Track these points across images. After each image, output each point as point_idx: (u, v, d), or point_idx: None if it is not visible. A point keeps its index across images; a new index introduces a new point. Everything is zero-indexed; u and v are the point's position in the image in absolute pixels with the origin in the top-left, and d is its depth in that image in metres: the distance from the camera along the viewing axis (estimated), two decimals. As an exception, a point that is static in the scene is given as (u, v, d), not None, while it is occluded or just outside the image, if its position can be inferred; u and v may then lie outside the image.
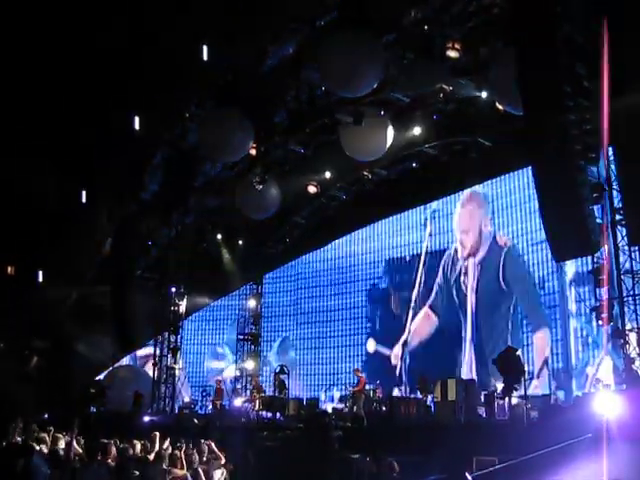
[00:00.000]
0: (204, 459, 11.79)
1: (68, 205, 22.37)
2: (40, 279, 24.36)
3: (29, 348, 25.79)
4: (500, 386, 16.37)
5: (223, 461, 11.84)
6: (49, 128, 20.41)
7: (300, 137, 21.17)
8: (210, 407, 23.47)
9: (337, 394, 22.27)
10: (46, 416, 19.75)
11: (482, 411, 16.97)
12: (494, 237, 22.25)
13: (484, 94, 17.75)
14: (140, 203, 23.59)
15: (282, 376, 21.76)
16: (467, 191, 23.04)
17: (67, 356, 24.83)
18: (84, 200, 22.29)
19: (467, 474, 5.03)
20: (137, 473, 10.35)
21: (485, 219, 22.56)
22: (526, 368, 17.09)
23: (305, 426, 17.97)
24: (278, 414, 20.97)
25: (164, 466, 10.58)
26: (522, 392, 15.56)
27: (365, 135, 19.33)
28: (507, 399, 15.80)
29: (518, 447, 11.62)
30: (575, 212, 13.38)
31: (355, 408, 19.73)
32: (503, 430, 14.80)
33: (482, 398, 17.30)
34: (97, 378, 26.19)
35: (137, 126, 20.45)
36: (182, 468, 10.85)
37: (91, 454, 10.50)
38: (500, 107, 16.90)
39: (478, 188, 22.74)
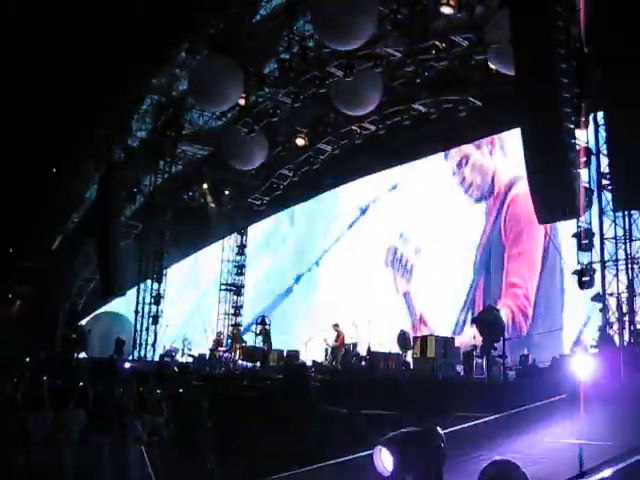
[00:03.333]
0: None
1: (55, 150, 22.17)
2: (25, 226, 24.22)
3: (12, 293, 25.78)
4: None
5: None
6: (38, 71, 20.14)
7: (290, 88, 20.98)
8: (191, 355, 23.58)
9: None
10: (27, 360, 19.82)
11: (460, 369, 17.17)
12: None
13: (477, 53, 17.58)
14: (127, 150, 23.41)
15: (266, 326, 21.91)
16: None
17: (50, 301, 24.84)
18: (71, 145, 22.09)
19: (438, 428, 5.08)
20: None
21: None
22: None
23: (284, 377, 18.15)
24: (258, 364, 21.16)
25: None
26: (500, 351, 15.74)
27: (355, 89, 19.19)
28: (485, 358, 15.98)
29: (494, 405, 11.79)
30: (561, 175, 13.38)
31: (334, 362, 19.94)
32: (480, 388, 14.99)
33: (461, 356, 17.49)
34: (79, 323, 26.25)
35: (128, 72, 20.22)
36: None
37: (69, 399, 10.58)
38: (492, 67, 16.76)
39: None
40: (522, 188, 19.10)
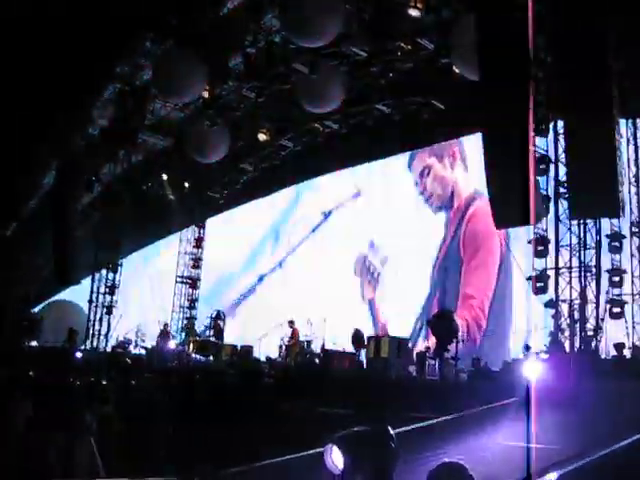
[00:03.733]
0: None
1: (10, 136, 21.78)
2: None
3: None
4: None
5: None
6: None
7: (254, 83, 20.93)
8: (144, 347, 23.39)
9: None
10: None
11: (413, 369, 17.30)
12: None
13: (442, 56, 17.69)
14: (87, 138, 23.11)
15: (218, 321, 21.85)
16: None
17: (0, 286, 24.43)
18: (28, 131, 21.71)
19: (389, 428, 5.12)
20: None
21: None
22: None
23: (237, 372, 18.12)
24: (211, 358, 21.09)
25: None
26: (453, 354, 15.89)
27: (320, 86, 19.22)
28: (438, 359, 16.13)
29: (446, 407, 11.90)
30: (519, 181, 13.53)
31: (289, 359, 19.95)
32: (432, 389, 15.12)
33: (414, 357, 17.63)
34: (32, 311, 25.89)
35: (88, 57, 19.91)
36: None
37: (16, 387, 10.43)
38: (457, 71, 16.90)
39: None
40: (482, 204, 19.44)
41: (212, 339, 21.99)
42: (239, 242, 27.96)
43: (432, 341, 16.53)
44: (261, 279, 26.46)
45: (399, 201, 22.57)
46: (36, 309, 26.62)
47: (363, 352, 18.45)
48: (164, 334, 23.86)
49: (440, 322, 16.12)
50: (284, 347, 20.41)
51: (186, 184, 26.02)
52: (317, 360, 19.32)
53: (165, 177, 25.75)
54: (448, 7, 16.38)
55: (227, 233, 28.05)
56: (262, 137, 23.27)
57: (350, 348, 18.78)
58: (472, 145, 19.82)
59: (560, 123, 15.61)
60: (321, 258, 24.28)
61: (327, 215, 24.86)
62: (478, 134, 14.67)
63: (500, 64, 13.00)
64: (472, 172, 20.37)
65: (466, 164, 20.96)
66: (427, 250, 21.28)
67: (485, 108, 13.90)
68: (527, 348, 16.76)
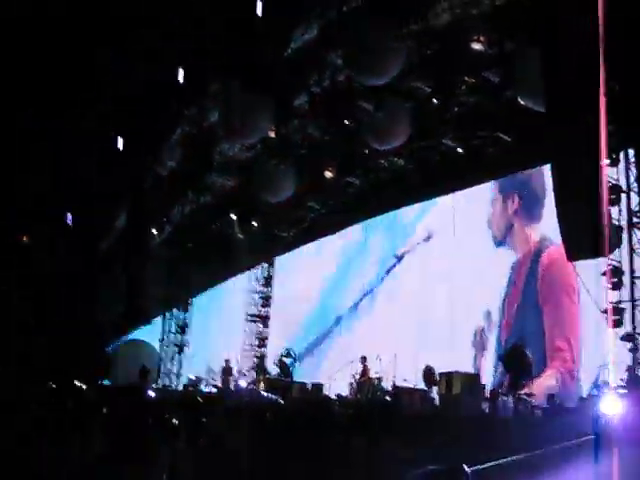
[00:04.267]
0: None
1: (86, 177, 22.39)
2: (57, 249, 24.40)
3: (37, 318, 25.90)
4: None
5: None
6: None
7: (320, 122, 21.13)
8: (215, 386, 23.55)
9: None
10: (54, 386, 19.86)
11: (486, 406, 16.94)
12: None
13: (507, 89, 17.56)
14: (157, 179, 23.62)
15: (287, 359, 21.84)
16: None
17: (75, 327, 24.93)
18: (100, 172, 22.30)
19: (465, 466, 5.01)
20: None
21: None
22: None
23: (308, 410, 18.05)
24: (281, 397, 21.04)
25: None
26: (527, 390, 15.54)
27: (384, 123, 19.28)
28: (511, 396, 15.78)
29: (520, 445, 11.62)
30: (591, 212, 13.28)
31: (359, 396, 19.78)
32: (506, 427, 14.78)
33: (487, 394, 17.27)
34: (104, 350, 26.31)
35: (157, 102, 20.42)
36: None
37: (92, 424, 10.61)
38: (522, 102, 16.76)
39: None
40: (554, 250, 19.14)
41: (282, 377, 21.96)
42: (309, 280, 27.95)
43: (505, 377, 16.19)
44: (338, 321, 26.18)
45: (469, 241, 22.21)
46: (109, 348, 27.06)
47: (435, 389, 18.18)
48: (226, 371, 24.01)
49: (513, 357, 15.82)
50: (355, 384, 20.25)
51: (254, 223, 26.29)
52: (388, 397, 19.11)
53: (234, 217, 26.07)
54: (511, 39, 16.30)
55: (297, 271, 28.16)
56: (328, 175, 23.40)
57: (421, 385, 18.54)
58: (538, 189, 19.71)
59: (631, 152, 15.31)
60: (394, 301, 24.09)
61: (400, 258, 24.64)
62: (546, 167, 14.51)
63: (568, 94, 12.86)
64: (544, 219, 20.01)
65: (530, 209, 20.61)
66: (494, 289, 20.95)
67: (553, 140, 13.74)
68: (603, 384, 16.27)
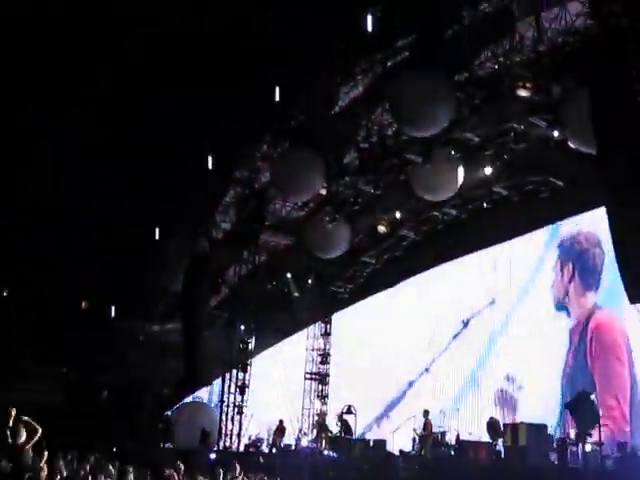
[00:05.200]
0: None
1: (142, 241, 22.84)
2: (112, 314, 24.85)
3: (99, 384, 26.23)
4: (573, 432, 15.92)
5: None
6: (126, 165, 20.96)
7: (370, 177, 21.26)
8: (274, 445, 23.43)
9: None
10: (114, 450, 20.01)
11: (554, 457, 16.47)
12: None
13: (556, 133, 17.50)
14: (212, 240, 23.95)
15: (347, 416, 21.62)
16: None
17: (137, 391, 25.16)
18: (157, 236, 22.71)
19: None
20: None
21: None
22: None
23: (372, 468, 17.79)
24: (344, 455, 20.80)
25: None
26: (596, 438, 15.08)
27: (435, 175, 19.31)
28: (580, 445, 15.31)
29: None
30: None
31: (423, 451, 19.43)
32: (575, 477, 14.35)
33: (554, 444, 16.80)
34: (165, 413, 26.43)
35: (210, 165, 20.82)
36: None
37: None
38: (572, 146, 16.66)
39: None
40: (601, 315, 19.98)
41: (343, 434, 21.71)
42: (366, 338, 27.73)
43: (571, 425, 15.77)
44: (411, 384, 25.79)
45: (531, 311, 22.25)
46: (169, 412, 27.17)
47: (500, 441, 17.76)
48: (279, 430, 23.86)
49: (580, 405, 15.39)
50: (417, 439, 19.91)
51: (310, 281, 26.37)
52: (452, 451, 18.73)
53: (289, 275, 26.19)
54: (557, 83, 16.27)
55: (354, 328, 28.03)
56: (381, 229, 23.44)
57: (486, 437, 18.15)
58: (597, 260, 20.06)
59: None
60: (460, 366, 23.87)
61: (466, 323, 24.40)
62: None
63: (618, 134, 12.77)
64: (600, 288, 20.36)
65: (586, 278, 20.69)
66: (556, 358, 20.97)
67: (607, 181, 13.60)
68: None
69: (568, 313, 21.27)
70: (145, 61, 18.96)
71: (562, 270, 21.42)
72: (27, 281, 23.81)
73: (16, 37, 18.08)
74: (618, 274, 13.36)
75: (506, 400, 22.07)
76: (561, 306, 21.46)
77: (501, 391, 22.43)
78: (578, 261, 21.03)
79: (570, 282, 21.26)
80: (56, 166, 21.30)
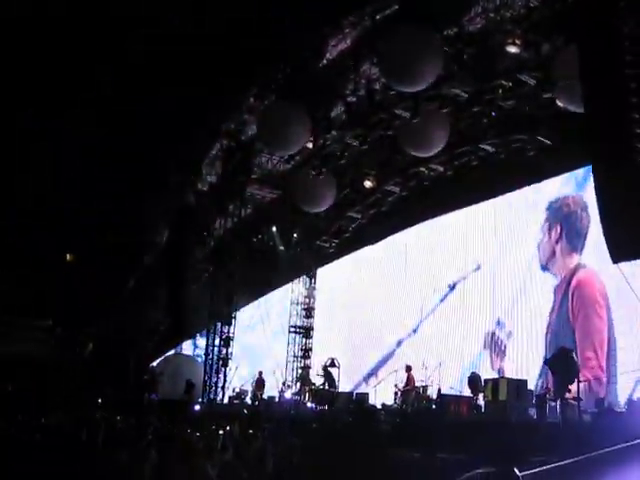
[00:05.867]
0: None
1: (127, 197, 22.74)
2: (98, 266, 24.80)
3: (85, 334, 26.32)
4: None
5: None
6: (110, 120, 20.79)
7: (357, 131, 21.16)
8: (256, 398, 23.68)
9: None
10: (99, 400, 20.15)
11: (533, 412, 16.74)
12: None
13: (544, 91, 17.42)
14: (197, 194, 23.85)
15: (331, 369, 21.81)
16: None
17: (122, 343, 25.26)
18: (143, 190, 22.63)
19: (515, 470, 4.95)
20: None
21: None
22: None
23: (354, 420, 18.00)
24: (327, 407, 21.04)
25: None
26: (575, 394, 15.30)
27: (422, 130, 19.24)
28: (559, 401, 15.55)
29: (569, 449, 11.44)
30: (635, 213, 13.09)
31: (404, 405, 19.69)
32: (554, 432, 14.57)
33: (533, 399, 17.06)
34: (150, 365, 26.59)
35: (196, 118, 20.66)
36: None
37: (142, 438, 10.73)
38: (560, 104, 16.61)
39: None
40: (583, 274, 20.35)
41: (327, 387, 21.93)
42: (350, 293, 27.88)
43: (551, 382, 16.00)
44: (399, 344, 25.96)
45: (517, 270, 22.47)
46: (154, 363, 27.32)
47: (481, 396, 18.01)
48: (259, 382, 24.15)
49: (559, 361, 15.59)
50: (400, 393, 20.16)
51: (295, 235, 26.37)
52: (434, 405, 18.99)
53: (275, 229, 26.18)
54: (547, 41, 16.16)
55: (339, 283, 28.18)
56: (368, 184, 23.41)
57: (467, 392, 18.40)
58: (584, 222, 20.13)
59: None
60: (448, 328, 24.07)
61: (453, 287, 24.52)
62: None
63: (603, 93, 12.72)
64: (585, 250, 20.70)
65: (571, 240, 20.95)
66: (542, 314, 21.31)
67: (592, 140, 13.59)
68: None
69: (553, 273, 21.52)
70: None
71: (550, 231, 21.58)
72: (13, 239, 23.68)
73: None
74: (602, 235, 13.40)
75: (496, 344, 22.44)
76: (545, 266, 21.68)
77: (492, 335, 22.79)
78: (566, 223, 21.17)
79: (557, 243, 21.44)
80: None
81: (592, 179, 13.53)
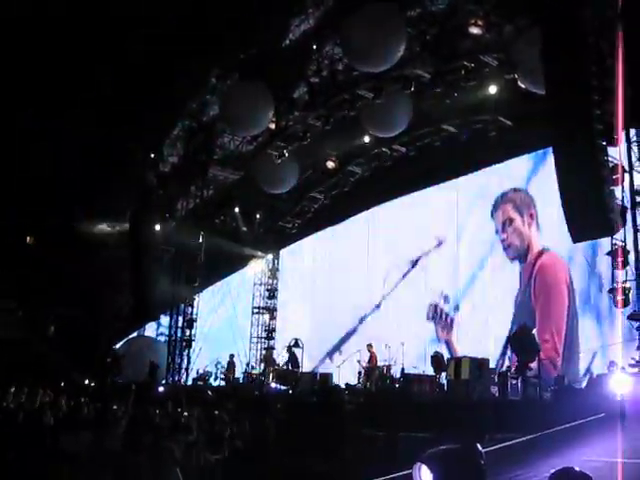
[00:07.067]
0: None
1: (89, 172, 22.47)
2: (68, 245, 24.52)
3: (51, 315, 26.04)
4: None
5: None
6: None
7: (320, 112, 21.11)
8: (224, 379, 23.68)
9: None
10: (62, 384, 19.98)
11: (495, 390, 16.99)
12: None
13: (506, 72, 17.53)
14: (159, 175, 23.63)
15: (295, 349, 21.87)
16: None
17: (86, 325, 25.05)
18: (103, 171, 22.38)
19: (478, 446, 4.99)
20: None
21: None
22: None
23: (319, 400, 18.09)
24: (290, 388, 21.12)
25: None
26: (535, 372, 15.57)
27: (385, 111, 19.28)
28: (520, 378, 15.81)
29: (530, 426, 11.65)
30: (595, 193, 13.29)
31: (368, 384, 19.83)
32: (516, 409, 14.82)
33: (495, 377, 17.30)
34: (113, 347, 26.40)
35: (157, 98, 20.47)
36: None
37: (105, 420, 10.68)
38: (522, 86, 16.74)
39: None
40: (547, 258, 20.98)
41: (290, 368, 22.00)
42: (313, 274, 27.92)
43: (513, 360, 16.26)
44: (362, 320, 26.07)
45: (479, 248, 22.74)
46: (118, 345, 27.13)
47: (443, 375, 18.22)
48: (230, 365, 24.17)
49: (520, 339, 15.84)
50: (363, 372, 20.29)
51: (258, 216, 26.31)
52: (397, 384, 19.16)
53: (237, 210, 26.06)
54: (510, 23, 16.27)
55: (302, 264, 28.19)
56: (330, 165, 23.41)
57: (430, 371, 18.59)
58: (546, 205, 20.18)
59: (632, 131, 15.29)
60: (405, 305, 24.27)
61: (414, 263, 24.68)
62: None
63: (564, 75, 12.86)
64: (544, 231, 21.17)
65: (539, 223, 21.24)
66: (504, 296, 21.65)
67: (553, 121, 13.75)
68: (612, 364, 16.30)
69: (512, 255, 21.86)
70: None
71: (515, 212, 21.90)
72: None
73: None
74: (563, 216, 13.59)
75: (440, 317, 22.77)
76: (507, 245, 21.96)
77: (434, 307, 23.10)
78: (525, 207, 21.55)
79: (529, 227, 21.78)
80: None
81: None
